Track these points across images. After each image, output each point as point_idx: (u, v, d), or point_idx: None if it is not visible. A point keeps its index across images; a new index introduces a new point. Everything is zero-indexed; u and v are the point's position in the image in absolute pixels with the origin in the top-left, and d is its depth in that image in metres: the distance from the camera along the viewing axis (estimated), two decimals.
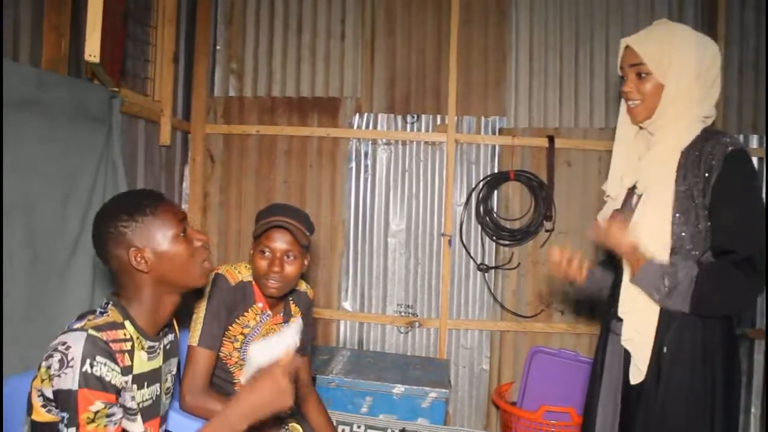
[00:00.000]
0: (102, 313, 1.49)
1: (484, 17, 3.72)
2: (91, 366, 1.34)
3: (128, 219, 1.50)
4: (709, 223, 1.73)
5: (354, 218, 3.84)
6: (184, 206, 3.83)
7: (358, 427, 3.02)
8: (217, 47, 3.94)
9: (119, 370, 1.40)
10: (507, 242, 3.69)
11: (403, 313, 3.79)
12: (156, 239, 1.52)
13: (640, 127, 1.92)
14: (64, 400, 1.32)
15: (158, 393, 1.64)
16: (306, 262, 2.11)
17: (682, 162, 1.77)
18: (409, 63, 3.79)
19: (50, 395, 1.34)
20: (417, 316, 3.77)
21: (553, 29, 3.69)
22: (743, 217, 1.68)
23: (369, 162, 3.82)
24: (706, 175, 1.70)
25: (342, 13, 3.84)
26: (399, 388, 3.06)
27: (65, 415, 1.33)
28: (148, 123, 3.28)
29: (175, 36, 3.51)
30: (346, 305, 3.84)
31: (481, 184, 3.69)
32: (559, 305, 3.67)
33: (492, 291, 3.71)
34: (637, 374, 1.79)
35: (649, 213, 1.80)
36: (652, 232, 1.77)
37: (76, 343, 1.35)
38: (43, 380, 1.35)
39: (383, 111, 3.81)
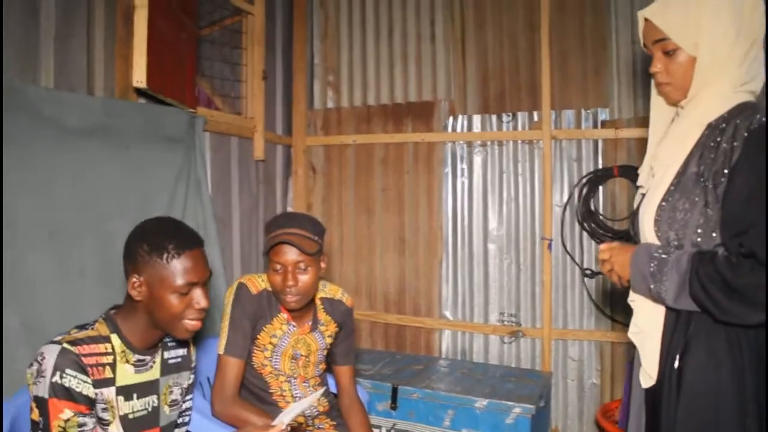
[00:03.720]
0: (89, 327, 1.56)
1: (579, 1, 3.44)
2: (61, 377, 1.41)
3: (148, 249, 1.53)
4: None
5: (452, 224, 3.73)
6: None
7: None
8: (315, 61, 4.03)
9: (91, 383, 1.46)
10: None
11: (505, 322, 3.60)
12: (158, 281, 1.53)
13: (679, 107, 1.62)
14: (39, 405, 1.41)
15: (156, 405, 1.67)
16: (323, 265, 2.06)
17: (701, 140, 1.46)
18: (502, 59, 3.61)
19: (32, 398, 1.42)
20: (521, 325, 3.56)
21: None
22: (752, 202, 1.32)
23: (465, 165, 3.69)
24: (724, 158, 1.37)
25: (431, 14, 3.75)
26: (481, 402, 2.90)
27: (41, 420, 1.40)
28: (242, 140, 3.43)
29: (271, 55, 3.67)
30: (447, 314, 3.72)
31: (582, 182, 3.41)
32: None
33: (595, 299, 3.39)
34: (647, 378, 1.52)
35: (647, 200, 1.54)
36: (645, 221, 1.51)
37: (50, 355, 1.42)
38: (28, 384, 1.44)
39: (477, 111, 3.66)
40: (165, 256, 1.53)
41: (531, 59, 3.53)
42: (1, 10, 1.89)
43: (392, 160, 3.84)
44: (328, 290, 2.26)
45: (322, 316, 2.19)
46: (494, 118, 3.62)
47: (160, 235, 1.56)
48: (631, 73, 3.35)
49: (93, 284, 2.30)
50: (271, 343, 2.09)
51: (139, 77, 2.35)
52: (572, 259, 3.45)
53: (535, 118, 3.52)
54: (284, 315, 2.09)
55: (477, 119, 3.65)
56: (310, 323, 2.15)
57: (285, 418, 1.52)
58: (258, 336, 2.08)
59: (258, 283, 2.09)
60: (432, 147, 3.75)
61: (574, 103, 3.47)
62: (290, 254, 1.96)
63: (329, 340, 2.21)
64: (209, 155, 3.14)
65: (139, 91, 2.55)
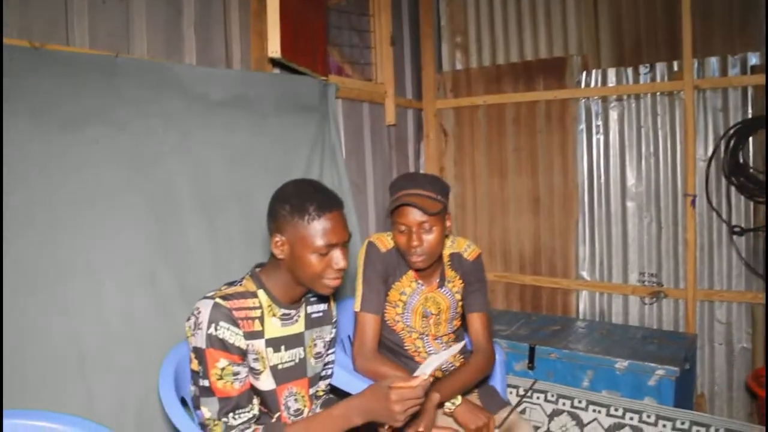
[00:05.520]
0: (237, 283, 1.70)
1: None
2: (216, 329, 1.55)
3: (290, 210, 1.63)
4: None
5: (588, 182, 3.63)
6: None
7: (579, 402, 2.86)
8: (441, 24, 4.02)
9: (242, 334, 1.59)
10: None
11: (646, 283, 3.48)
12: (299, 241, 1.63)
13: None
14: (198, 356, 1.56)
15: (303, 356, 1.80)
16: (448, 224, 2.06)
17: None
18: (637, 8, 3.43)
19: (191, 349, 1.58)
20: (662, 285, 3.43)
21: None
22: None
23: (600, 122, 3.56)
24: None
25: None
26: (622, 363, 2.84)
27: (201, 368, 1.56)
28: (373, 105, 3.51)
29: (398, 20, 3.71)
30: (585, 274, 3.65)
31: (730, 133, 3.18)
32: None
33: (746, 258, 3.19)
34: None
35: None
36: None
37: (204, 309, 1.57)
38: (187, 337, 1.60)
39: (612, 65, 3.52)
40: (306, 217, 1.61)
41: (669, 6, 3.32)
42: None
43: (524, 119, 3.78)
44: (456, 245, 2.26)
45: (448, 272, 2.21)
46: (630, 70, 3.45)
47: (301, 197, 1.64)
48: None
49: (238, 247, 2.48)
50: (400, 300, 2.15)
51: (274, 47, 2.48)
52: (719, 215, 3.25)
53: (675, 68, 3.32)
54: (412, 273, 2.15)
55: (612, 73, 3.50)
56: (438, 281, 2.18)
57: (427, 370, 1.57)
58: (389, 293, 2.15)
59: (386, 241, 2.15)
60: (565, 104, 3.65)
61: (718, 49, 3.23)
62: (413, 215, 1.97)
63: (458, 297, 2.23)
64: (342, 121, 3.25)
65: (274, 63, 2.69)
